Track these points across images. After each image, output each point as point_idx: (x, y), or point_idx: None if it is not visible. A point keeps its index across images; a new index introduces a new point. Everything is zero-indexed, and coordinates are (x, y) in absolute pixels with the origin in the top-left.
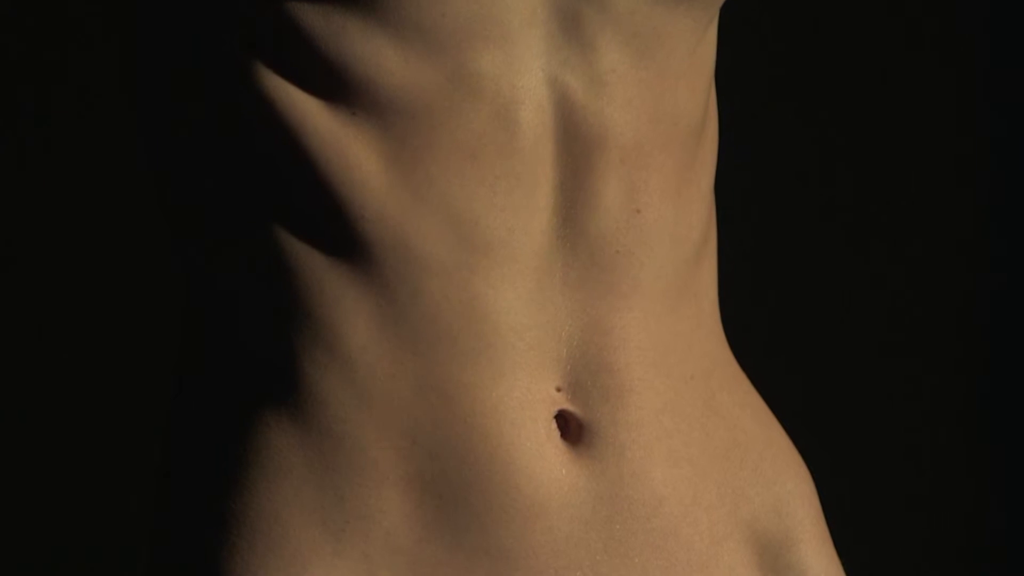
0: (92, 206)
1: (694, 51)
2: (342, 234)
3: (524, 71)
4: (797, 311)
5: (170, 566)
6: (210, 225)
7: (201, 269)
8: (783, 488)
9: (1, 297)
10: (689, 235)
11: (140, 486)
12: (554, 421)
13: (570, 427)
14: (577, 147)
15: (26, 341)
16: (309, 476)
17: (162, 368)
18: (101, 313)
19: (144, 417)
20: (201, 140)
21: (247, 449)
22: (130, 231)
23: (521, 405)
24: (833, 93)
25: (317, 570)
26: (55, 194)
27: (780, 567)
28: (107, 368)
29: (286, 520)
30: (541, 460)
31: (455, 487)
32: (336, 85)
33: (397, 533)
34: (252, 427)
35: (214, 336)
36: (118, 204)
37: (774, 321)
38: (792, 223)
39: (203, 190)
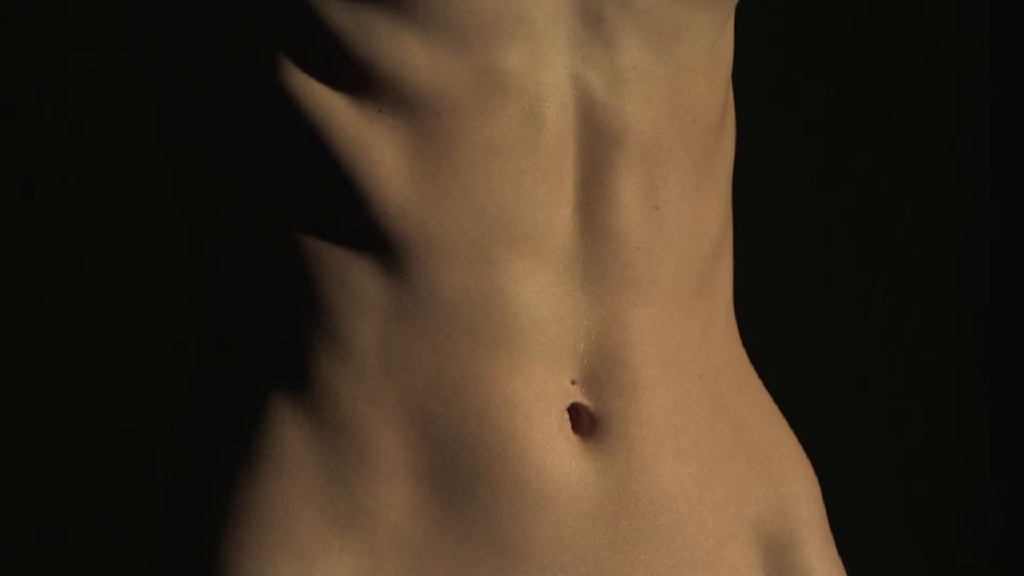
0: (107, 204)
1: (712, 47)
2: (364, 229)
3: (548, 68)
4: (798, 312)
5: (177, 560)
6: (230, 221)
7: (218, 265)
8: (789, 489)
9: (15, 293)
10: (707, 232)
11: (148, 482)
12: (567, 414)
13: (582, 421)
14: (598, 144)
15: (36, 337)
16: (320, 471)
17: (174, 364)
18: (114, 309)
19: (154, 413)
20: (224, 135)
21: (260, 444)
22: (147, 228)
23: (536, 398)
24: (837, 95)
25: (324, 564)
26: (71, 191)
27: (784, 568)
28: (119, 364)
29: (295, 515)
30: (552, 453)
31: (464, 480)
32: (363, 82)
33: (404, 527)
34: (265, 422)
35: (229, 332)
36: (133, 202)
37: (776, 322)
38: (793, 224)
39: (224, 185)
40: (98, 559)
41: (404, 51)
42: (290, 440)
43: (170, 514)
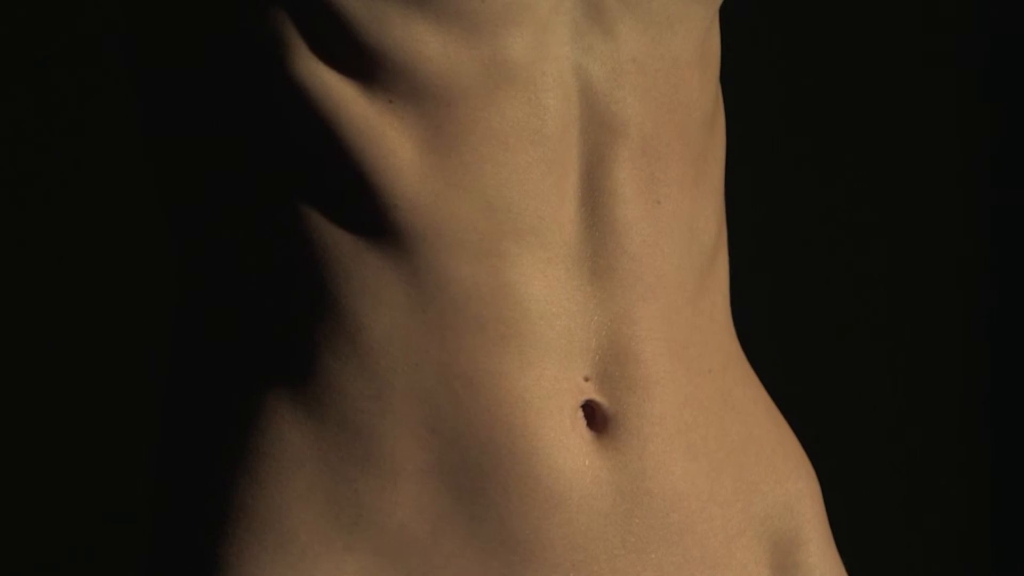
0: (107, 201)
1: (704, 41)
2: (373, 222)
3: (552, 58)
4: (796, 311)
5: (175, 562)
6: (231, 214)
7: (217, 258)
8: (794, 486)
9: (10, 293)
10: (706, 227)
11: (141, 484)
12: (580, 411)
13: (596, 418)
14: (601, 136)
15: (31, 332)
16: (323, 469)
17: (166, 360)
18: (103, 303)
19: (147, 411)
20: (231, 128)
21: (258, 442)
22: (136, 220)
23: (548, 394)
24: (834, 93)
25: (327, 564)
26: (60, 190)
27: (789, 565)
28: (110, 360)
29: (297, 514)
30: (564, 451)
31: (473, 477)
32: (374, 72)
33: (411, 525)
34: (265, 419)
35: (225, 328)
36: (120, 197)
37: (773, 321)
38: (790, 223)
39: (228, 178)
40: (98, 560)
41: (416, 40)
42: (290, 438)
43: (165, 516)
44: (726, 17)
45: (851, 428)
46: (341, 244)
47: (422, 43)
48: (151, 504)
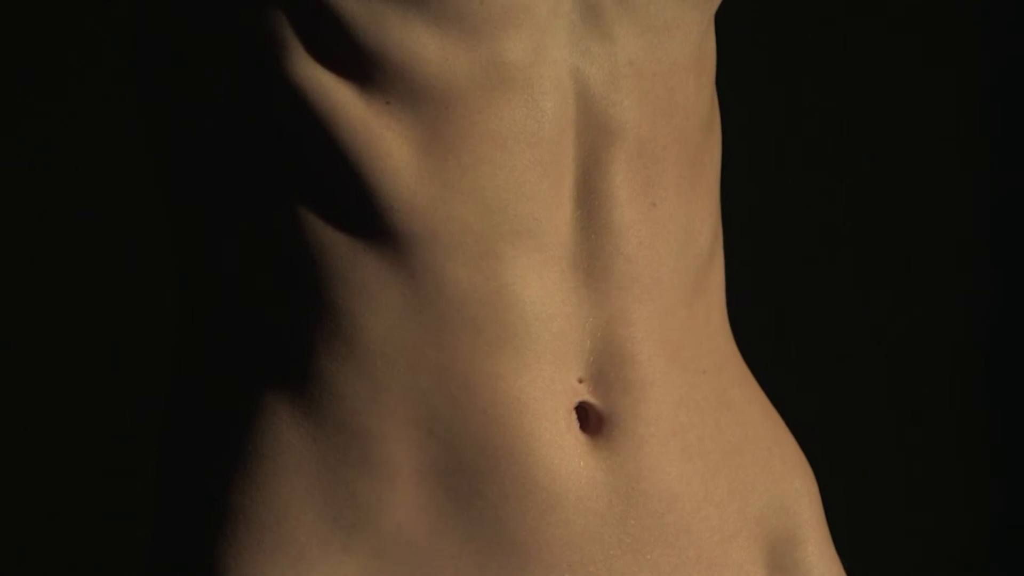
0: (98, 199)
1: (700, 45)
2: (370, 224)
3: (550, 61)
4: (792, 312)
5: (172, 564)
6: (230, 215)
7: (216, 261)
8: (791, 486)
9: (10, 293)
10: (702, 229)
11: (141, 484)
12: (574, 412)
13: (590, 419)
14: (597, 139)
15: (32, 333)
16: (321, 471)
17: (166, 361)
18: (103, 306)
19: (147, 414)
20: (229, 128)
21: (257, 444)
22: (136, 221)
23: (543, 395)
24: (829, 95)
25: (325, 566)
26: (60, 193)
27: (787, 565)
28: (110, 363)
29: (295, 516)
30: (560, 452)
31: (470, 478)
32: (372, 73)
33: (409, 526)
34: (263, 421)
35: (224, 329)
36: (121, 198)
37: (769, 322)
38: (786, 225)
39: (225, 180)
40: (98, 560)
41: (415, 41)
42: (288, 439)
43: (164, 517)
44: (722, 21)
45: (849, 428)
46: (338, 246)
47: (420, 45)
48: (151, 505)
